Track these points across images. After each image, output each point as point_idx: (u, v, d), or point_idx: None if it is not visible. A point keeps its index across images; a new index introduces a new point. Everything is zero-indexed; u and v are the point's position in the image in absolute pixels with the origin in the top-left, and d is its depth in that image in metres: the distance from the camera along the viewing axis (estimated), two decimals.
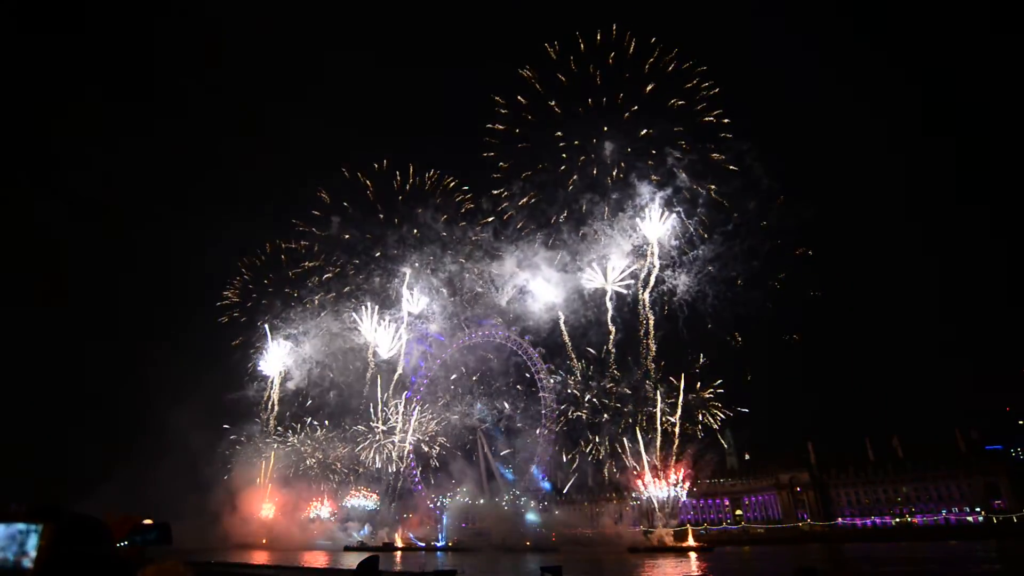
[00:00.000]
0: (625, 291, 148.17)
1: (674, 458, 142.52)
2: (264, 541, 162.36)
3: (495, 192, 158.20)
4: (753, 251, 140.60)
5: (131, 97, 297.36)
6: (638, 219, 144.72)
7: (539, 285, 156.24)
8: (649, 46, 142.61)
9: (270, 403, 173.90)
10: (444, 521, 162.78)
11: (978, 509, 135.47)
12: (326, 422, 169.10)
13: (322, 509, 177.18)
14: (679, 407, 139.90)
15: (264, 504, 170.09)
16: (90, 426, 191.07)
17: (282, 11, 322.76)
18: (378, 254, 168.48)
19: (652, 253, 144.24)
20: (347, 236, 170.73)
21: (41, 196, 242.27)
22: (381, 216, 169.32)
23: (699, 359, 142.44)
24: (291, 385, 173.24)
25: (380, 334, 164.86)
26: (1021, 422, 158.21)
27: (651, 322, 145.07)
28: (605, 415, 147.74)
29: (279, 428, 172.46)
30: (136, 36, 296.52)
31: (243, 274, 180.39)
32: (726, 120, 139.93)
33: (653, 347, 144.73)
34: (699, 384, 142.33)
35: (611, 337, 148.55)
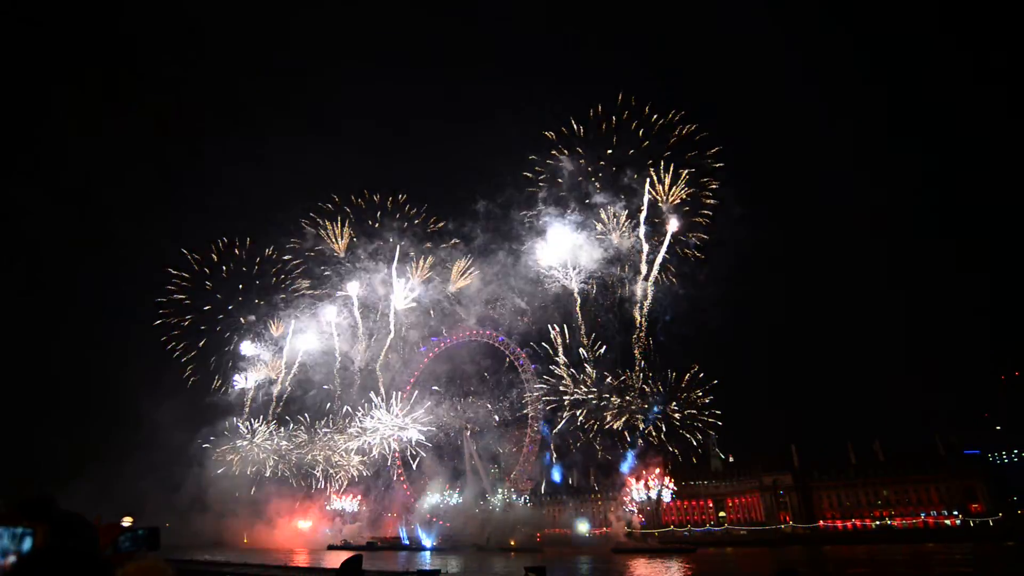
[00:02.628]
0: (603, 299, 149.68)
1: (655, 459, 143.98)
2: (245, 540, 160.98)
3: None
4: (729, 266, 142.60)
5: (115, 92, 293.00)
6: (604, 229, 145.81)
7: (506, 293, 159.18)
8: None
9: (249, 402, 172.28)
10: (429, 520, 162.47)
11: (956, 512, 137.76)
12: (317, 425, 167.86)
13: (304, 507, 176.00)
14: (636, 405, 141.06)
15: (243, 502, 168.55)
16: (60, 422, 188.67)
17: (277, 26, 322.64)
18: (355, 265, 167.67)
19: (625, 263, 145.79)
20: (320, 248, 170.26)
21: (18, 184, 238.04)
22: (352, 234, 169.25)
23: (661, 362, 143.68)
24: (272, 386, 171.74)
25: (361, 337, 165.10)
26: (999, 428, 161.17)
27: (637, 323, 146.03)
28: (583, 415, 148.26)
29: (258, 427, 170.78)
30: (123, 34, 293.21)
31: (222, 274, 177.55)
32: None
33: (643, 346, 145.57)
34: (681, 382, 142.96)
35: (584, 339, 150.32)
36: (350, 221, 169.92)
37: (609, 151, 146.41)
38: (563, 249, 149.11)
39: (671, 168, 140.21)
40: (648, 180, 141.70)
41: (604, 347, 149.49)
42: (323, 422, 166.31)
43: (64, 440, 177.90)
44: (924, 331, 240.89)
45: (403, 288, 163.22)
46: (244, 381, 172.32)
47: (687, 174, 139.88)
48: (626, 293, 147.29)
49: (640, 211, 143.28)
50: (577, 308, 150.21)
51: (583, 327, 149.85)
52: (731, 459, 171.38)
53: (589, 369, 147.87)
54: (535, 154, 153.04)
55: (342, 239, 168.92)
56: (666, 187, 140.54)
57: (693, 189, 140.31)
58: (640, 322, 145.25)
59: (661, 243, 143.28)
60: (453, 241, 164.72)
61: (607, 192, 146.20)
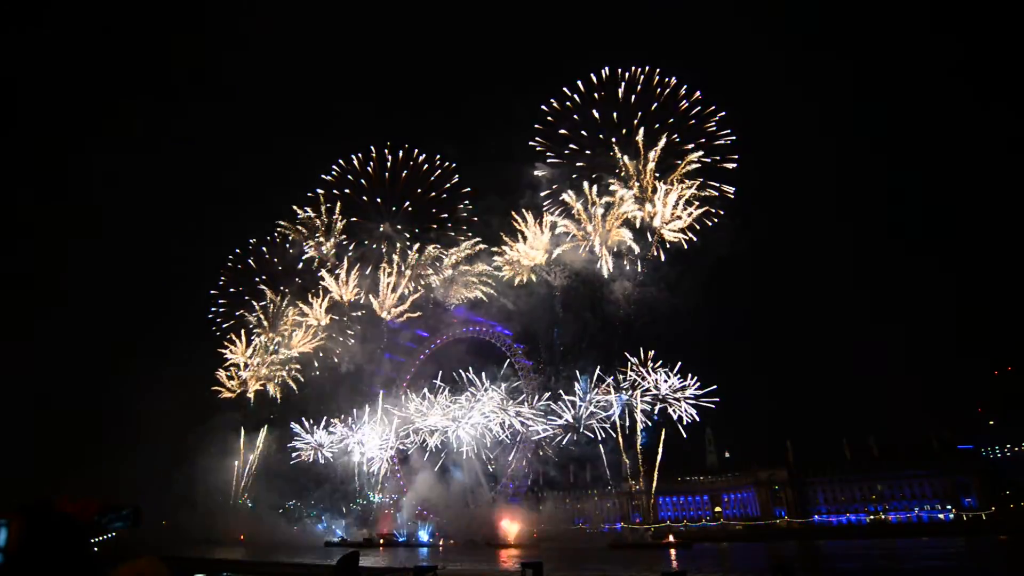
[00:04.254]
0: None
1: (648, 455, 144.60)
2: (241, 537, 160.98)
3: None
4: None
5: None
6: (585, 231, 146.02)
7: (491, 295, 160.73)
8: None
9: (243, 404, 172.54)
10: (423, 515, 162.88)
11: (949, 507, 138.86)
12: (309, 425, 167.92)
13: (304, 504, 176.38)
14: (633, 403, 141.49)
15: (241, 500, 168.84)
16: (58, 419, 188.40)
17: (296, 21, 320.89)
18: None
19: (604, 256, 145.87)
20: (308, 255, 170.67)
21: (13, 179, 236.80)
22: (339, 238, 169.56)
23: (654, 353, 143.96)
24: (266, 389, 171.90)
25: (354, 339, 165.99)
26: (992, 422, 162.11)
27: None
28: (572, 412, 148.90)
29: (255, 426, 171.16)
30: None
31: (226, 273, 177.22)
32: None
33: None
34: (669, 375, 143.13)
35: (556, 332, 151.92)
36: (338, 224, 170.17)
37: (588, 152, 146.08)
38: (544, 251, 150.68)
39: (654, 161, 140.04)
40: (631, 182, 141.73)
41: (585, 344, 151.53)
42: (312, 423, 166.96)
43: (62, 438, 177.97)
44: (919, 328, 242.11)
45: (390, 293, 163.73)
46: (237, 384, 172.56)
47: (681, 178, 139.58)
48: (615, 291, 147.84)
49: (628, 213, 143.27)
50: (559, 307, 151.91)
51: (562, 325, 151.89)
52: (727, 455, 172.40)
53: (573, 369, 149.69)
54: (512, 161, 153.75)
55: (328, 244, 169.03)
56: (647, 175, 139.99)
57: (687, 192, 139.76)
58: (628, 320, 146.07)
59: (651, 242, 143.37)
60: (437, 248, 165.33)
61: (586, 195, 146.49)
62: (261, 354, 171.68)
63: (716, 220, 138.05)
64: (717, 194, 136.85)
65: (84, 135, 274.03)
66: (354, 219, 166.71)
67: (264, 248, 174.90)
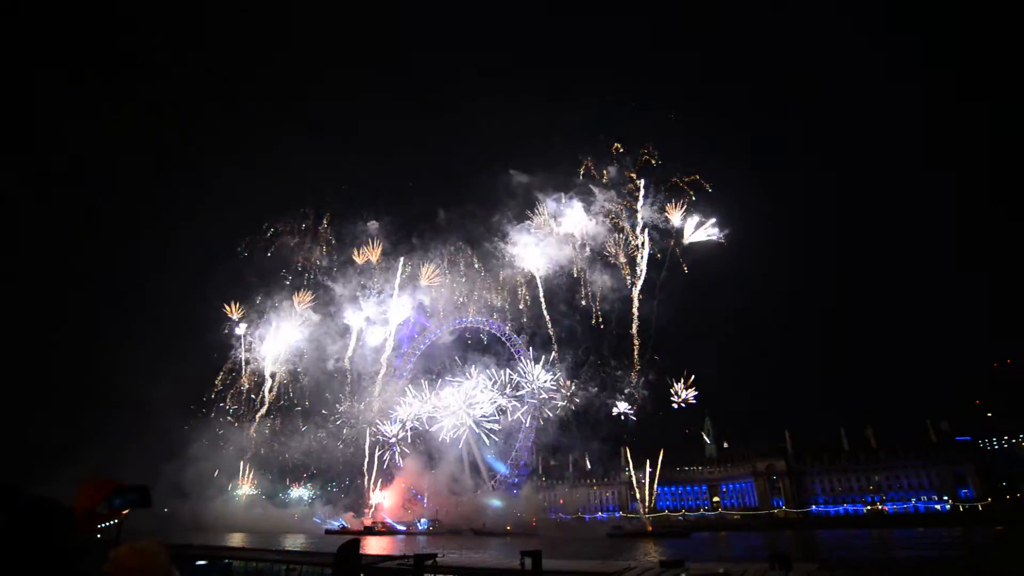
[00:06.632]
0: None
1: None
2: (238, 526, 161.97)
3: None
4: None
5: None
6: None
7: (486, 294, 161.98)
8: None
9: (244, 390, 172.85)
10: (425, 504, 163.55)
11: (946, 498, 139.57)
12: (308, 418, 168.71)
13: (301, 493, 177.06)
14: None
15: (239, 488, 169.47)
16: (56, 411, 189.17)
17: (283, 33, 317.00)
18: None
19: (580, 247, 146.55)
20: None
21: (15, 175, 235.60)
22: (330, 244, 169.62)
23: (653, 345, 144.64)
24: (267, 373, 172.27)
25: (349, 336, 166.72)
26: (990, 414, 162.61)
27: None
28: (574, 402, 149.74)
29: (252, 414, 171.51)
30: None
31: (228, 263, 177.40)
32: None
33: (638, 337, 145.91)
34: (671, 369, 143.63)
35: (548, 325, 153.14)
36: (330, 230, 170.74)
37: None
38: (532, 250, 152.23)
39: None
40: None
41: (565, 335, 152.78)
42: (311, 418, 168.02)
43: (60, 428, 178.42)
44: (919, 320, 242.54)
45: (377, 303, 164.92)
46: (236, 378, 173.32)
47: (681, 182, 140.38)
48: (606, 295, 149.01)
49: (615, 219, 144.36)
50: (543, 306, 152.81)
51: (549, 324, 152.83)
52: (725, 445, 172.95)
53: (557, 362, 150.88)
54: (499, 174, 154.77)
55: (320, 248, 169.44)
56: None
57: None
58: (621, 318, 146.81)
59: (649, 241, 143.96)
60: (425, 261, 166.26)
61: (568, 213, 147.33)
62: (255, 349, 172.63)
63: (701, 221, 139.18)
64: (706, 219, 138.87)
65: (84, 135, 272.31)
66: (335, 232, 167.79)
67: (251, 247, 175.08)
